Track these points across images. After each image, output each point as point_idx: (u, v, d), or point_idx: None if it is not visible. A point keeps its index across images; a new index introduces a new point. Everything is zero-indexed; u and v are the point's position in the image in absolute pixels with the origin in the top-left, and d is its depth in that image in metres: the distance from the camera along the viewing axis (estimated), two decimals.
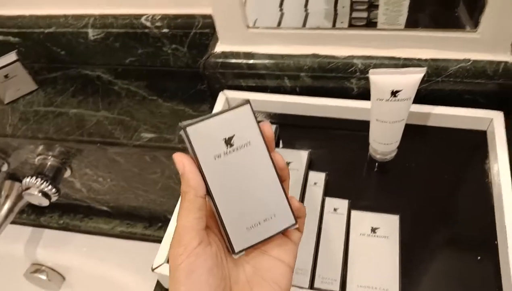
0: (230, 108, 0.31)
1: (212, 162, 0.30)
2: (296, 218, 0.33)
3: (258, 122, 0.32)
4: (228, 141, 0.31)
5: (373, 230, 0.48)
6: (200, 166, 0.30)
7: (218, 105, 0.61)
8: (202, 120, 0.30)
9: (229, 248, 0.32)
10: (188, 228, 0.30)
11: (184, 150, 0.31)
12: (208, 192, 0.31)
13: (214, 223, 0.33)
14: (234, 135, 0.31)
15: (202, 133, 0.30)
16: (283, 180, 0.33)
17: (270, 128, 0.32)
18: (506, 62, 0.51)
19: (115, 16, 0.66)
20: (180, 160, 0.30)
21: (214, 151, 0.30)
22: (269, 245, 0.33)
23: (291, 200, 0.33)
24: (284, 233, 0.33)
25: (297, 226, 0.33)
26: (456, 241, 0.47)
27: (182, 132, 0.30)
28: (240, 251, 0.32)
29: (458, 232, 0.47)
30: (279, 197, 0.32)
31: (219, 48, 0.61)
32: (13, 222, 0.81)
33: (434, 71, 0.52)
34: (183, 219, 0.30)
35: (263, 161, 0.32)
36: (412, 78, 0.46)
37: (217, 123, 0.31)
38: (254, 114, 0.31)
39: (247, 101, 0.31)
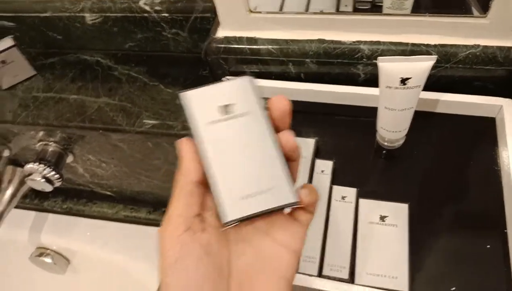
0: (230, 79, 0.31)
1: (205, 128, 0.30)
2: (298, 196, 0.30)
3: (263, 97, 0.31)
4: (224, 109, 0.30)
5: (382, 218, 0.48)
6: (192, 132, 0.30)
7: None
8: (200, 87, 0.31)
9: (220, 219, 0.29)
10: (174, 215, 0.29)
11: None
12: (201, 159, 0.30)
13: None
14: (231, 104, 0.30)
15: (197, 99, 0.30)
16: (292, 160, 0.31)
17: (283, 102, 0.30)
18: None
19: (112, 0, 0.64)
20: (180, 146, 0.30)
21: (209, 117, 0.30)
22: (273, 228, 0.30)
23: (306, 186, 0.30)
24: (291, 214, 0.32)
25: (299, 205, 0.30)
26: (465, 229, 0.47)
27: (180, 100, 0.30)
28: (229, 223, 0.29)
29: (467, 220, 0.47)
30: (276, 171, 0.30)
31: (220, 33, 0.59)
32: (16, 207, 0.80)
33: (443, 57, 0.51)
34: (171, 207, 0.29)
35: (260, 133, 0.30)
36: (422, 66, 0.45)
37: (215, 91, 0.31)
38: (255, 85, 0.31)
39: (249, 75, 0.31)
